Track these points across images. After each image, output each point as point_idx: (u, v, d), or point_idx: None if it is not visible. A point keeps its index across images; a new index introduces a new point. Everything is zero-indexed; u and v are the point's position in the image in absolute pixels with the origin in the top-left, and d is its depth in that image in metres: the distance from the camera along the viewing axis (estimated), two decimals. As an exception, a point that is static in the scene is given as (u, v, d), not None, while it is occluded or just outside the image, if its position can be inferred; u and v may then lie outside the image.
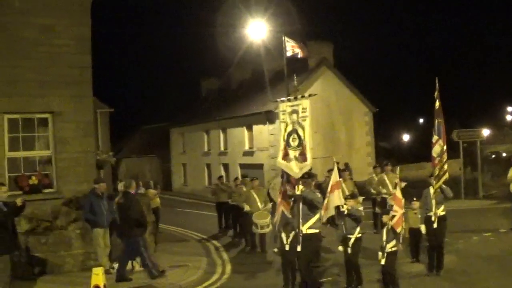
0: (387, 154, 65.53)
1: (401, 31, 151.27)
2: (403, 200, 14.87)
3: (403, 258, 17.34)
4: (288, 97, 13.87)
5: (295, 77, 15.32)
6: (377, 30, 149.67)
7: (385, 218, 14.04)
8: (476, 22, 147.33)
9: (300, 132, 13.16)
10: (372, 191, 22.52)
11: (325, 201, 14.20)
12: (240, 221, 22.77)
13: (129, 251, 16.37)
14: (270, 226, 18.35)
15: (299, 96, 13.42)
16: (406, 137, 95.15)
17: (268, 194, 22.69)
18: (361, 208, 18.80)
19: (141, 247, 16.22)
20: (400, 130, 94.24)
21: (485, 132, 50.68)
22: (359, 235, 14.50)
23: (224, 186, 26.75)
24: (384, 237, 13.75)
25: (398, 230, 13.92)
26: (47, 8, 18.09)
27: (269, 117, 41.94)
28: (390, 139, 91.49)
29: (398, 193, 14.86)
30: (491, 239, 20.07)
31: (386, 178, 21.54)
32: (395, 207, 14.32)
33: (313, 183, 14.24)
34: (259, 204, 20.47)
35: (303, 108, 13.12)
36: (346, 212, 14.36)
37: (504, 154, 58.97)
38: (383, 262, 13.63)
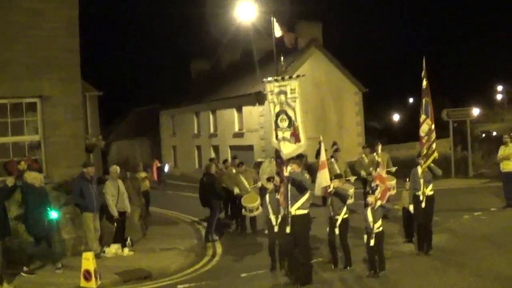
0: (377, 134, 65.60)
1: (391, 10, 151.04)
2: (387, 178, 15.01)
3: (395, 238, 17.40)
4: (275, 78, 13.75)
5: (282, 58, 15.22)
6: (367, 10, 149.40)
7: (370, 199, 14.03)
8: (466, 1, 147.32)
9: (290, 113, 13.07)
10: (363, 172, 22.48)
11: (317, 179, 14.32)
12: (231, 203, 22.74)
13: (212, 217, 20.15)
14: (260, 209, 18.33)
15: (286, 77, 13.33)
16: (396, 117, 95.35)
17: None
18: (352, 189, 18.84)
19: (217, 213, 20.23)
20: (390, 110, 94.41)
21: (475, 111, 50.76)
22: (346, 215, 14.52)
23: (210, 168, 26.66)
24: (370, 218, 13.74)
25: (384, 201, 14.07)
26: (35, -8, 17.96)
27: (259, 98, 41.98)
28: (380, 119, 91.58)
29: (382, 172, 15.00)
30: (482, 218, 20.10)
31: (376, 158, 21.42)
32: (380, 184, 14.43)
33: (301, 163, 14.18)
34: (247, 185, 20.52)
35: (291, 89, 13.03)
36: (332, 191, 14.36)
37: (494, 133, 59.17)
38: (372, 243, 13.63)
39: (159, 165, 47.47)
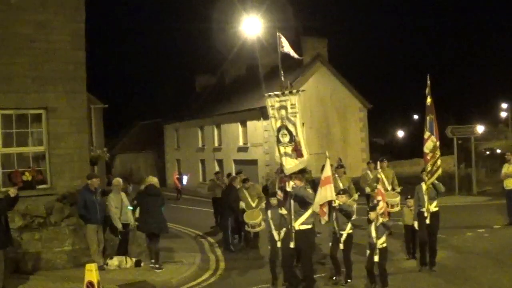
0: (381, 150, 65.62)
1: (396, 27, 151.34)
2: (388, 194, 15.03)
3: (398, 254, 17.38)
4: (276, 93, 13.77)
5: (283, 73, 15.15)
6: (372, 26, 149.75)
7: (372, 215, 14.05)
8: (471, 19, 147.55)
9: (291, 128, 13.10)
10: (367, 188, 22.39)
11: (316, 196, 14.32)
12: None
13: (223, 226, 21.37)
14: (262, 225, 18.29)
15: (287, 92, 13.36)
16: (400, 133, 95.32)
17: (266, 188, 22.72)
18: (355, 204, 18.81)
19: (228, 223, 20.90)
20: (394, 126, 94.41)
21: (480, 128, 50.75)
22: (351, 231, 14.52)
23: (220, 182, 26.57)
24: (374, 234, 13.75)
25: (386, 219, 14.14)
26: (42, 4, 18.06)
27: (264, 113, 41.97)
28: (384, 135, 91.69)
29: (381, 188, 15.09)
30: (485, 235, 20.09)
31: (382, 174, 21.36)
32: (381, 202, 14.50)
33: (304, 178, 14.19)
34: (251, 202, 20.49)
35: (291, 104, 13.07)
36: (337, 207, 14.35)
37: (498, 151, 58.97)
38: (376, 259, 13.63)
39: (178, 176, 47.62)
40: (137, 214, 18.15)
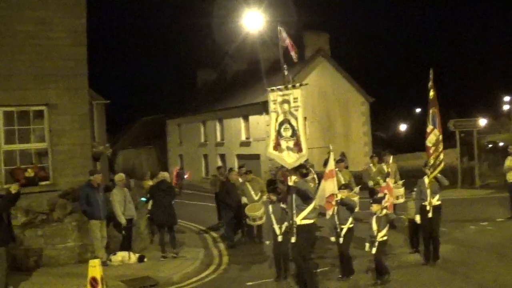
0: (384, 144, 65.50)
1: (398, 20, 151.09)
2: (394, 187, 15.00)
3: (402, 248, 17.36)
4: (278, 87, 13.71)
5: (285, 67, 15.02)
6: (374, 20, 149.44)
7: (374, 208, 14.04)
8: (473, 11, 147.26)
9: (293, 122, 13.03)
10: (370, 182, 22.36)
11: (319, 190, 14.28)
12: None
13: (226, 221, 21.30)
14: (264, 218, 18.23)
15: (289, 86, 13.31)
16: (403, 127, 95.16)
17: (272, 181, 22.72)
18: (356, 197, 18.77)
19: (228, 218, 20.89)
20: (397, 120, 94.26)
21: (482, 121, 50.61)
22: (351, 225, 14.48)
23: (223, 176, 26.44)
24: (375, 227, 13.76)
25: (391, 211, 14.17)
26: (42, 1, 18.04)
27: (266, 108, 41.85)
28: (387, 129, 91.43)
29: (390, 182, 15.05)
30: (488, 229, 20.06)
31: (385, 168, 21.32)
32: (388, 196, 14.49)
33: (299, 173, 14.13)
34: (254, 196, 20.44)
35: (294, 98, 13.00)
36: (338, 200, 14.30)
37: (501, 144, 58.85)
38: (374, 251, 13.64)
39: (178, 171, 47.49)
40: (149, 207, 19.56)
